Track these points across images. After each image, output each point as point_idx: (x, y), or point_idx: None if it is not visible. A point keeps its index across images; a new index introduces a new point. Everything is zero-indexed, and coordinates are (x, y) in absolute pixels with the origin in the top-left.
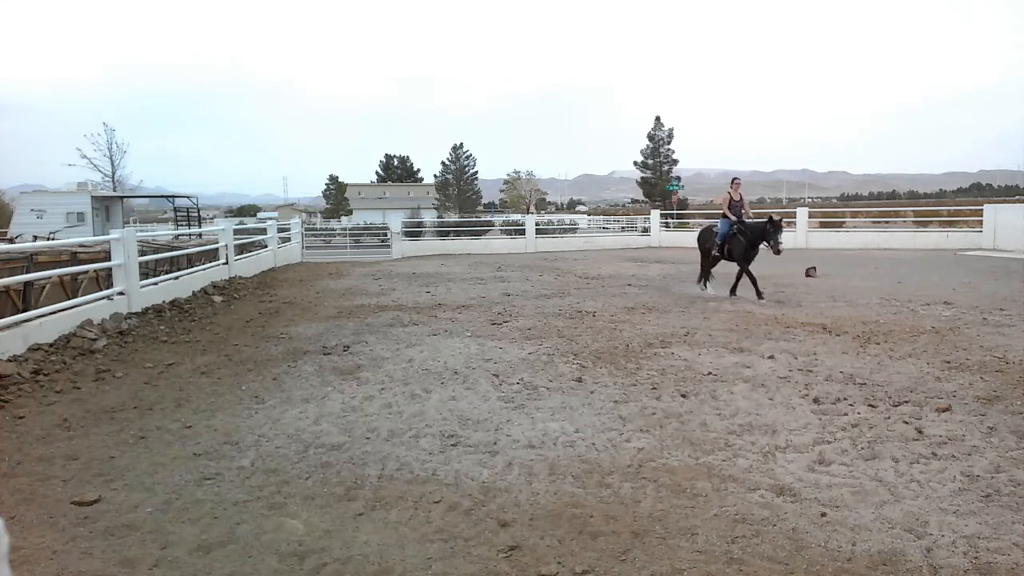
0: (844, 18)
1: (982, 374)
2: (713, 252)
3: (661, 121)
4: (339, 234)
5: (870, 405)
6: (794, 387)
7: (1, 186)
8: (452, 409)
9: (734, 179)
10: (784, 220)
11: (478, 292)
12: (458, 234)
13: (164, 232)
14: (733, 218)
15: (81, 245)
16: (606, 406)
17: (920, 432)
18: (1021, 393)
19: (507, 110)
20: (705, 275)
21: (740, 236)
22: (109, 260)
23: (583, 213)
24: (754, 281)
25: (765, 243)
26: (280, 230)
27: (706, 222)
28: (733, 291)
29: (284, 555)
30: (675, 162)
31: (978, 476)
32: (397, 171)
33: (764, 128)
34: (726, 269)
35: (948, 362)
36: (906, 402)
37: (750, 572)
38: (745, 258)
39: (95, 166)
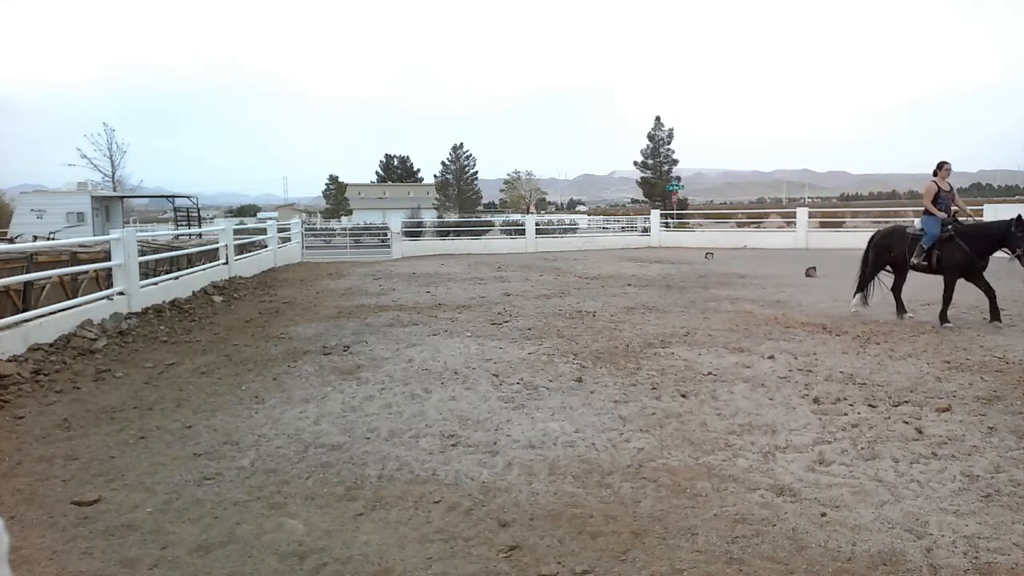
0: (844, 18)
1: (982, 374)
2: (912, 260)
3: (661, 121)
4: (339, 234)
5: (870, 405)
6: (794, 387)
7: (1, 186)
8: (452, 409)
9: (942, 163)
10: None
11: (478, 292)
12: (458, 234)
13: (164, 232)
14: (942, 215)
15: (81, 245)
16: (606, 406)
17: (920, 432)
18: (1021, 393)
19: (507, 110)
20: (863, 286)
21: (960, 240)
22: (109, 260)
23: (583, 213)
24: (949, 300)
25: (1007, 251)
26: (280, 230)
27: (706, 222)
28: (901, 310)
29: (284, 555)
30: (675, 162)
31: (978, 476)
32: (397, 171)
33: (764, 128)
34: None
35: (948, 362)
36: (906, 402)
37: (750, 572)
38: (964, 271)
39: (95, 166)
